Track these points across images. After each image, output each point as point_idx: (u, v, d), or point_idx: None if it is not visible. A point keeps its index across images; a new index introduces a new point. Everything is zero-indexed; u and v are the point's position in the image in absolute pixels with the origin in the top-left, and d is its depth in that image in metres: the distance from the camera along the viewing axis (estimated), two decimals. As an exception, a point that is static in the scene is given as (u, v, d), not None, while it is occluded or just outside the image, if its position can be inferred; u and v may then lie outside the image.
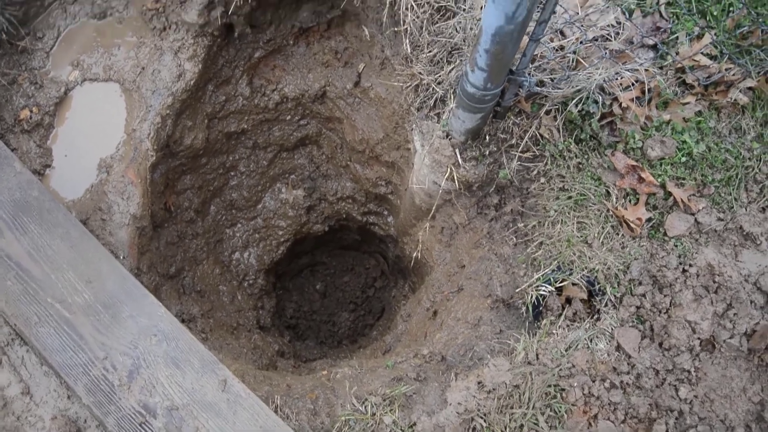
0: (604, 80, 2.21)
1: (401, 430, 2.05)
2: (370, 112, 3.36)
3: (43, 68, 2.97)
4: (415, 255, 3.00)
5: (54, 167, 2.83)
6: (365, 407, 2.11)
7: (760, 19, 2.39)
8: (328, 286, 5.09)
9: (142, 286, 2.22)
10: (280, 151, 3.92)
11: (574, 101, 2.25)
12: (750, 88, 2.37)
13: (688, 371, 2.09)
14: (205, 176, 3.65)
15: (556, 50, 2.32)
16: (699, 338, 2.12)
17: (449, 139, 2.38)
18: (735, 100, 2.35)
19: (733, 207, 2.27)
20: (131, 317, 2.15)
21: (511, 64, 1.96)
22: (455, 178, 2.40)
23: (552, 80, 2.22)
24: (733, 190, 2.29)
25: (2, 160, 2.41)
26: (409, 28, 2.47)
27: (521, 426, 2.03)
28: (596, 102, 2.27)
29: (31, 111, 2.85)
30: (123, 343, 2.10)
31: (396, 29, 2.63)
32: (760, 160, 2.32)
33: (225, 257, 3.91)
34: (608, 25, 2.38)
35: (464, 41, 2.33)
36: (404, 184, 3.30)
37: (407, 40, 2.47)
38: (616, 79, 2.26)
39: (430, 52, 2.43)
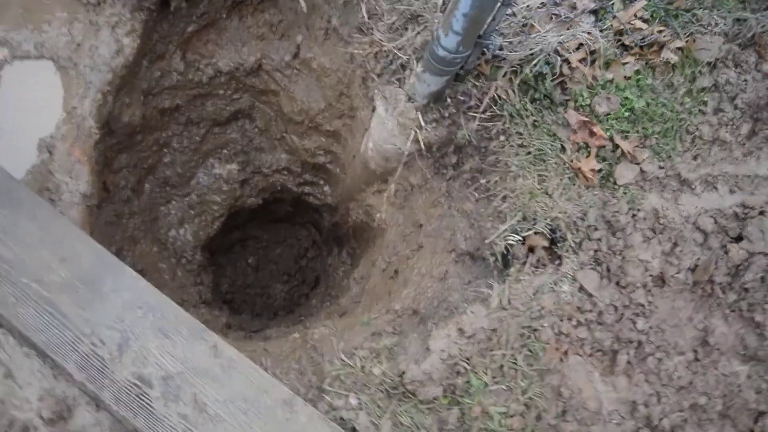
0: (559, 43, 2.37)
1: (390, 379, 2.15)
2: (309, 82, 3.40)
3: (-33, 47, 2.82)
4: (378, 217, 3.09)
5: (-11, 149, 2.72)
6: (354, 361, 2.20)
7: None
8: (260, 260, 5.10)
9: (119, 261, 2.20)
10: (213, 126, 3.88)
11: (531, 64, 2.40)
12: (679, 48, 2.59)
13: (643, 305, 2.31)
14: (140, 154, 3.57)
15: (509, 15, 2.46)
16: (650, 275, 2.33)
17: (412, 103, 2.48)
18: (667, 59, 2.57)
19: (671, 156, 2.50)
20: (113, 291, 2.12)
21: (483, 28, 2.08)
22: (419, 140, 2.51)
23: (510, 44, 2.36)
24: (670, 140, 2.51)
25: (-49, 140, 2.30)
26: (365, -3, 2.54)
27: (501, 366, 2.18)
28: (549, 63, 2.43)
29: (-40, 91, 2.72)
30: (108, 317, 2.08)
31: (346, -1, 2.70)
32: (691, 113, 2.55)
33: (162, 235, 3.86)
34: (553, -9, 2.55)
35: (424, 8, 2.43)
36: (347, 153, 3.37)
37: (364, 9, 2.54)
38: (567, 41, 2.43)
39: (389, 20, 2.51)
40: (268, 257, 5.11)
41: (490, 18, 2.09)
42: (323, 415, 2.04)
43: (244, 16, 3.45)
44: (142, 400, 1.97)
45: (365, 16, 2.55)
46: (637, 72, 2.55)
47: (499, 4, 2.01)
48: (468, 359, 2.18)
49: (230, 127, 3.98)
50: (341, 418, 2.10)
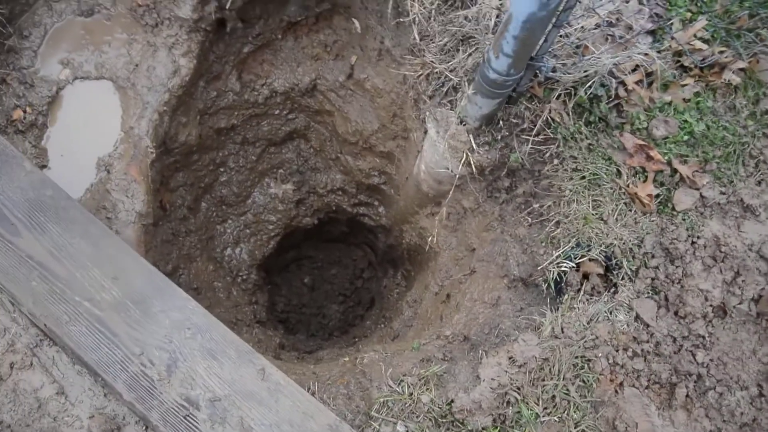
0: (614, 64, 2.31)
1: (439, 407, 2.10)
2: (363, 103, 3.40)
3: (32, 67, 2.91)
4: (430, 240, 3.05)
5: (50, 168, 2.79)
6: (402, 388, 2.16)
7: (746, 4, 2.54)
8: (316, 279, 5.11)
9: (169, 281, 2.22)
10: (269, 146, 3.92)
11: (585, 86, 2.35)
12: (741, 69, 2.51)
13: (703, 337, 2.21)
14: (197, 173, 3.63)
15: (562, 37, 2.41)
16: (711, 305, 2.24)
17: (464, 125, 2.45)
18: (729, 80, 2.48)
19: (733, 181, 2.40)
20: (162, 312, 2.14)
21: (534, 50, 2.04)
22: (471, 162, 2.47)
23: (564, 65, 2.31)
24: (732, 165, 2.42)
25: (11, 160, 2.36)
26: (416, 19, 2.53)
27: (553, 396, 2.11)
28: (604, 85, 2.37)
29: (24, 111, 2.80)
30: (157, 337, 2.09)
31: (400, 20, 2.68)
32: (755, 136, 2.46)
33: (218, 253, 3.90)
34: (609, 12, 2.49)
35: (476, 30, 2.40)
36: (401, 174, 3.35)
37: (416, 30, 2.53)
38: (623, 63, 2.37)
39: (440, 41, 2.49)
40: (323, 277, 5.12)
41: (541, 40, 2.05)
42: (369, 442, 2.01)
43: (299, 37, 3.48)
44: (189, 422, 1.97)
45: (416, 37, 2.54)
46: (697, 94, 2.48)
47: (551, 26, 1.97)
48: (519, 389, 2.12)
49: (285, 146, 4.02)
50: (388, 446, 2.06)
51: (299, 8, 3.30)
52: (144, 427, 2.03)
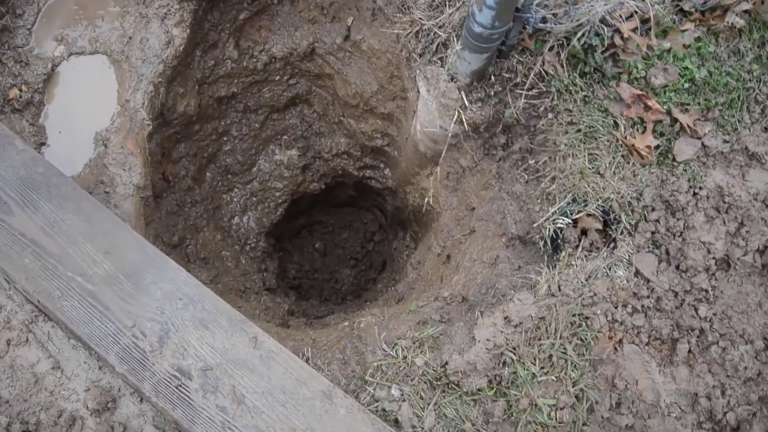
0: (607, 12, 2.22)
1: (433, 370, 2.08)
2: (362, 65, 3.34)
3: (27, 45, 2.90)
4: (425, 201, 3.01)
5: (49, 145, 2.79)
6: (396, 351, 2.15)
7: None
8: (327, 245, 5.11)
9: (161, 253, 2.22)
10: (272, 113, 3.89)
11: (577, 36, 2.26)
12: (746, 11, 2.39)
13: (706, 290, 2.15)
14: (199, 143, 3.61)
15: (554, -15, 2.32)
16: (714, 258, 2.17)
17: (455, 83, 2.38)
18: (732, 23, 2.37)
19: (737, 129, 2.31)
20: (154, 283, 2.14)
21: (517, 1, 1.97)
22: (463, 120, 2.41)
23: (554, 16, 2.22)
24: (736, 112, 2.32)
25: (3, 140, 2.36)
26: (403, -25, 2.45)
27: (550, 356, 2.08)
28: (598, 35, 2.28)
29: (20, 89, 2.80)
30: (149, 309, 2.09)
31: (388, -23, 2.61)
32: (760, 81, 2.35)
33: (225, 223, 3.90)
34: (603, -43, 2.38)
35: (463, -18, 2.32)
36: (402, 135, 3.30)
37: (404, -13, 2.46)
38: (616, 10, 2.27)
39: (428, -4, 2.42)
40: (334, 242, 5.12)
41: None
42: (363, 407, 2.00)
43: (296, 0, 3.42)
44: (181, 392, 1.97)
45: (405, -6, 2.47)
46: (698, 39, 2.37)
47: (535, -26, 1.89)
48: (515, 349, 2.08)
49: (288, 112, 3.98)
50: (383, 410, 2.05)
51: (294, -30, 3.25)
52: (139, 399, 2.04)
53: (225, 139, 3.76)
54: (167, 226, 3.21)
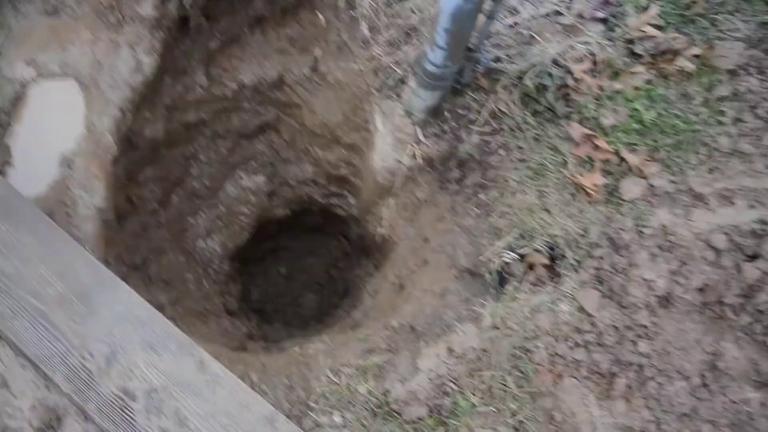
0: (558, 53, 2.29)
1: (376, 398, 2.12)
2: (328, 96, 3.40)
3: (-4, 67, 2.95)
4: (380, 232, 3.07)
5: (13, 165, 2.81)
6: (339, 379, 2.18)
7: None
8: (292, 269, 5.15)
9: (114, 275, 2.25)
10: (240, 139, 3.94)
11: (528, 75, 2.33)
12: (695, 56, 2.47)
13: (646, 327, 2.20)
14: (166, 167, 3.65)
15: (511, 26, 2.40)
16: (655, 295, 2.22)
17: (410, 118, 2.44)
18: (682, 67, 2.45)
19: (683, 170, 2.37)
20: (105, 305, 2.17)
21: (468, 41, 2.03)
22: (417, 154, 2.47)
23: (508, 56, 2.29)
24: (683, 153, 2.39)
25: (-35, 157, 2.40)
26: (365, 12, 2.52)
27: (490, 387, 2.12)
28: (550, 75, 2.36)
29: (-13, 109, 2.84)
30: (99, 330, 2.12)
31: (353, 13, 2.68)
32: (707, 124, 2.42)
33: (189, 245, 3.93)
34: (560, 1, 2.47)
35: (421, 22, 2.39)
36: (365, 165, 3.35)
37: (365, 24, 2.52)
38: (569, 52, 2.35)
39: (388, 34, 2.48)
40: (299, 267, 5.15)
41: (475, 32, 2.04)
42: (305, 432, 2.03)
43: (266, 31, 3.49)
44: (125, 413, 2.00)
45: (366, 30, 2.53)
46: (649, 82, 2.44)
47: (485, 18, 1.96)
48: (456, 379, 2.12)
49: (257, 139, 4.03)
50: (325, 437, 2.08)
51: (265, 3, 3.30)
52: (84, 418, 2.07)
53: (192, 163, 3.80)
54: (130, 247, 3.23)
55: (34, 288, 2.17)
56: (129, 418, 1.99)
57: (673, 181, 2.37)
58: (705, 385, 2.15)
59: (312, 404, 2.13)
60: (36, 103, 2.93)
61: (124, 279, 2.83)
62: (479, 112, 2.43)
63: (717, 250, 2.27)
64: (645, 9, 2.51)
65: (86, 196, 2.71)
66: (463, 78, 2.29)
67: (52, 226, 2.32)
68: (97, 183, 2.76)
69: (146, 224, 3.44)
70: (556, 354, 2.16)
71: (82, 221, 2.69)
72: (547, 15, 2.44)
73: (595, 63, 2.42)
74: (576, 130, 2.39)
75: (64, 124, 2.90)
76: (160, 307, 3.01)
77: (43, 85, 2.96)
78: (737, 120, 2.44)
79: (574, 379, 2.14)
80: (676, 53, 2.47)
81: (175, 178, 3.70)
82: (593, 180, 2.34)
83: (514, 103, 2.41)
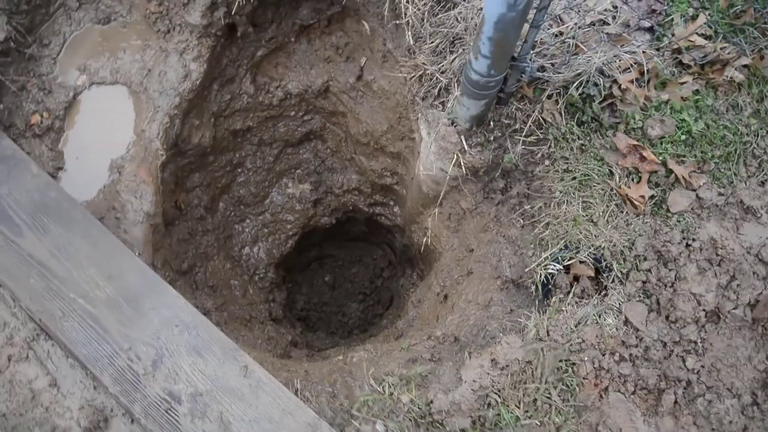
0: (603, 63, 2.27)
1: (418, 407, 2.11)
2: (373, 104, 3.43)
3: (51, 74, 3.03)
4: (424, 241, 3.06)
5: (66, 170, 2.89)
6: (383, 388, 2.18)
7: (753, -1, 2.46)
8: (336, 278, 5.17)
9: (162, 280, 2.29)
10: (286, 147, 3.99)
11: (574, 85, 2.31)
12: (745, 66, 2.43)
13: (695, 342, 2.16)
14: (213, 174, 3.71)
15: (556, 36, 2.38)
16: (704, 310, 2.18)
17: (455, 127, 2.44)
18: (731, 77, 2.41)
19: (732, 182, 2.33)
20: (153, 309, 2.21)
21: (513, 50, 2.03)
22: (462, 164, 2.47)
23: (553, 65, 2.28)
24: (732, 165, 2.35)
25: (19, 164, 2.47)
26: (410, 21, 2.54)
27: (534, 400, 2.09)
28: (596, 85, 2.34)
29: (42, 116, 2.91)
30: (146, 334, 2.16)
31: (397, 22, 2.69)
32: (758, 135, 2.38)
33: (235, 252, 3.98)
34: (605, 10, 2.45)
35: (465, 30, 2.40)
36: (410, 174, 3.36)
37: (409, 32, 2.54)
38: (615, 61, 2.33)
39: (432, 42, 2.49)
40: (344, 276, 5.17)
41: (522, 40, 2.03)
42: (347, 440, 2.03)
43: (312, 39, 3.53)
44: (170, 416, 2.03)
45: (410, 39, 2.55)
46: (696, 92, 2.41)
47: (528, 27, 1.95)
48: (500, 391, 2.10)
49: (302, 147, 4.08)
50: (367, 445, 2.08)
51: (311, 11, 3.35)
52: (130, 419, 2.10)
53: (239, 170, 3.87)
54: (177, 253, 3.29)
55: (84, 290, 2.23)
56: (174, 421, 2.02)
57: (722, 194, 2.33)
58: (756, 404, 2.10)
59: (355, 413, 2.13)
60: (88, 109, 3.01)
61: (171, 284, 2.89)
62: (524, 122, 2.42)
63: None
64: (693, 18, 2.48)
65: (135, 201, 2.77)
66: (507, 87, 2.28)
67: (103, 231, 2.38)
68: (145, 188, 2.81)
69: (193, 230, 3.49)
70: (602, 368, 2.12)
71: (131, 226, 2.74)
72: (593, 24, 2.42)
73: (641, 73, 2.39)
74: (622, 140, 2.36)
75: (114, 130, 2.98)
76: (205, 313, 3.06)
77: (94, 92, 3.04)
78: (788, 129, 2.40)
79: (620, 394, 2.10)
80: (725, 63, 2.44)
81: (222, 185, 3.75)
82: (640, 191, 2.31)
83: (560, 113, 2.40)
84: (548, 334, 2.20)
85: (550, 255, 2.28)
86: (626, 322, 2.19)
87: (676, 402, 2.10)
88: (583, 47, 2.34)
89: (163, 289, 2.27)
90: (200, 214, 3.60)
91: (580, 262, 2.28)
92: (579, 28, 2.36)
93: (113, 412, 2.12)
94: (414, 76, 2.59)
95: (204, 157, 3.50)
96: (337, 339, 4.47)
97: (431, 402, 2.11)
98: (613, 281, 2.25)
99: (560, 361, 2.14)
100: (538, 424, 2.07)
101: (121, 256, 2.33)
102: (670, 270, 2.23)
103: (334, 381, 2.29)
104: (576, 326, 2.20)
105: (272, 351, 3.20)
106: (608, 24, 2.42)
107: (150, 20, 3.10)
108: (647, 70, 2.38)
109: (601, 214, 2.31)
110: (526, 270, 2.35)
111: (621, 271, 2.25)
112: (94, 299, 2.21)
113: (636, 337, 2.17)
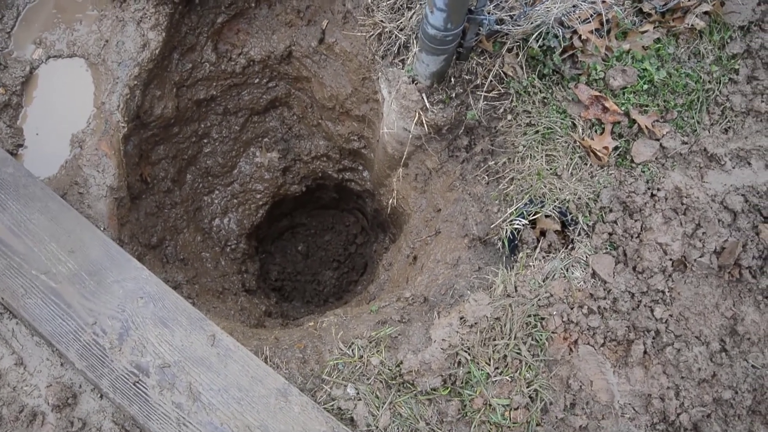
0: (563, 14, 2.24)
1: (389, 369, 2.11)
2: (336, 67, 3.37)
3: (6, 49, 2.95)
4: (390, 203, 3.04)
5: (26, 146, 2.83)
6: (352, 350, 2.17)
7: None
8: (309, 247, 5.16)
9: (124, 252, 2.25)
10: (251, 115, 3.93)
11: (534, 37, 2.28)
12: (706, 13, 2.40)
13: (662, 292, 2.16)
14: (179, 145, 3.65)
15: (514, -12, 2.34)
16: (671, 259, 2.18)
17: (415, 84, 2.40)
18: (692, 25, 2.39)
19: (696, 130, 2.32)
20: (116, 282, 2.18)
21: (469, 2, 1.99)
22: (424, 122, 2.43)
23: (511, 17, 2.24)
24: (695, 113, 2.34)
25: (-27, 140, 2.41)
26: (368, -22, 2.48)
27: (504, 356, 2.09)
28: (556, 36, 2.30)
29: (-2, 92, 2.85)
30: (110, 307, 2.13)
31: (355, -20, 2.64)
32: (720, 83, 2.36)
33: (205, 224, 3.94)
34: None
35: (423, -14, 2.35)
36: (376, 137, 3.32)
37: (368, -10, 2.49)
38: (574, 12, 2.29)
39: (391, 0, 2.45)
40: (317, 244, 5.15)
41: (477, -7, 2.00)
42: (319, 405, 2.03)
43: (273, 4, 3.46)
44: (138, 389, 2.01)
45: (369, -3, 2.50)
46: (658, 41, 2.38)
47: (484, -23, 1.91)
48: (469, 349, 2.10)
49: (268, 115, 4.02)
50: (339, 408, 2.07)
51: (271, -26, 3.28)
52: (99, 395, 2.08)
53: (205, 141, 3.81)
54: (146, 227, 3.24)
55: (46, 266, 2.19)
56: (143, 394, 2.01)
57: (685, 142, 2.32)
58: (724, 351, 2.11)
59: (326, 377, 2.13)
60: (46, 83, 2.94)
61: (140, 258, 2.86)
62: (485, 77, 2.39)
63: (733, 212, 2.22)
64: (654, -34, 2.44)
65: (98, 176, 2.71)
66: (466, 41, 2.24)
67: (63, 205, 2.33)
68: (107, 162, 2.76)
69: (161, 203, 3.45)
70: (571, 321, 2.13)
71: (94, 201, 2.70)
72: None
73: (601, 23, 2.36)
74: (584, 92, 2.34)
75: (73, 104, 2.91)
76: (177, 286, 3.04)
77: (52, 66, 2.97)
78: (751, 78, 2.38)
79: (589, 347, 2.11)
80: (685, 11, 2.41)
81: (188, 156, 3.70)
82: (603, 143, 2.29)
83: (520, 66, 2.37)
84: (516, 290, 2.19)
85: (515, 210, 2.27)
86: (594, 274, 2.19)
87: (645, 352, 2.11)
88: (542, -2, 2.30)
89: (126, 261, 2.24)
90: (167, 187, 3.55)
91: (546, 216, 2.27)
92: (537, -21, 2.32)
93: (81, 389, 2.10)
94: (373, 35, 2.54)
95: (168, 129, 3.44)
96: (312, 308, 4.46)
97: (401, 363, 2.10)
98: (579, 234, 2.25)
99: (529, 316, 2.14)
100: (509, 380, 2.07)
101: (82, 231, 2.29)
102: (635, 221, 2.23)
103: (304, 346, 2.28)
104: (544, 281, 2.20)
105: (245, 322, 3.19)
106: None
107: (106, -12, 3.01)
108: (607, 20, 2.35)
109: (565, 167, 2.29)
110: (492, 227, 2.34)
111: (587, 224, 2.24)
112: (56, 275, 2.18)
113: (604, 290, 2.18)
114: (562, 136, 2.32)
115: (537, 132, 2.34)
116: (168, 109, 3.29)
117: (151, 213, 3.37)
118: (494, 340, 2.12)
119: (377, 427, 2.03)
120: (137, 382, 2.02)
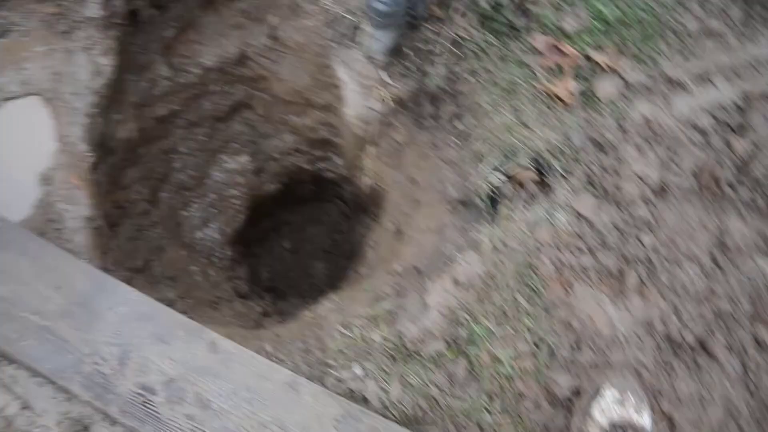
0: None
1: (392, 343, 2.11)
2: (292, 61, 3.36)
3: (-45, 97, 2.91)
4: (368, 183, 3.04)
5: (-5, 193, 2.80)
6: (352, 331, 2.17)
7: None
8: (296, 242, 5.16)
9: (110, 277, 2.24)
10: (216, 123, 3.90)
11: (481, -5, 2.29)
12: (647, -56, 2.42)
13: (647, 220, 2.17)
14: (148, 165, 3.62)
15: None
16: (650, 187, 2.19)
17: (372, 62, 2.41)
18: (637, -42, 2.40)
19: (655, 59, 2.34)
20: (108, 309, 2.16)
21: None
22: (387, 98, 2.44)
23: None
24: (652, 43, 2.35)
25: (-60, 194, 2.38)
26: (307, -35, 2.48)
27: (502, 309, 2.10)
28: (501, -11, 2.31)
29: (-47, 143, 2.81)
30: (106, 334, 2.12)
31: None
32: (673, 10, 2.38)
33: (188, 239, 3.91)
34: None
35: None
36: (343, 122, 3.32)
37: (308, -23, 2.48)
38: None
39: (333, -18, 2.45)
40: (303, 238, 5.14)
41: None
42: (329, 390, 2.02)
43: (219, 10, 3.44)
44: (148, 408, 2.00)
45: (312, -16, 2.50)
46: (606, -22, 2.40)
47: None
48: (467, 308, 2.11)
49: (232, 120, 4.00)
50: (350, 389, 2.07)
51: (212, -20, 3.26)
52: (111, 422, 2.06)
53: (174, 156, 3.78)
54: (129, 251, 3.22)
55: (35, 306, 2.17)
56: (153, 412, 1.99)
57: (647, 73, 2.33)
58: (716, 265, 2.13)
59: (330, 362, 2.12)
60: (3, 127, 2.90)
61: (128, 283, 2.83)
62: (440, 43, 2.39)
63: (703, 131, 2.24)
64: None
65: (72, 209, 2.69)
66: (416, 11, 2.24)
67: (42, 244, 2.32)
68: (79, 193, 2.73)
69: (140, 226, 3.43)
70: (562, 264, 2.13)
71: (72, 234, 2.66)
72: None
73: (545, -31, 2.37)
74: (539, 41, 2.35)
75: (36, 142, 2.87)
76: (170, 304, 2.98)
77: (8, 108, 2.93)
78: (703, 1, 2.40)
79: (585, 285, 2.12)
80: (628, -56, 2.42)
81: (159, 174, 3.68)
82: (566, 86, 2.30)
83: (473, 26, 2.37)
84: (504, 244, 2.20)
85: (491, 167, 2.27)
86: (578, 215, 2.20)
87: (640, 280, 2.12)
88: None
89: (113, 286, 2.22)
90: (144, 209, 3.52)
91: (521, 167, 2.28)
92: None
93: (92, 419, 2.08)
94: (323, 22, 2.54)
95: (134, 151, 3.42)
96: (309, 301, 4.44)
97: (402, 334, 2.10)
98: (557, 179, 2.25)
99: (520, 266, 2.15)
100: (512, 331, 2.08)
101: (65, 265, 2.27)
102: (609, 156, 2.24)
103: (304, 337, 2.28)
104: (529, 230, 2.21)
105: (243, 326, 3.18)
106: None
107: (49, 24, 2.98)
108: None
109: (532, 116, 2.30)
110: (471, 188, 2.34)
111: (563, 168, 2.25)
112: (46, 313, 2.15)
113: (590, 228, 2.19)
114: (525, 88, 2.33)
115: (499, 87, 2.34)
116: (131, 131, 3.27)
117: (132, 237, 3.35)
118: (490, 295, 2.12)
119: (390, 401, 2.03)
120: (145, 402, 2.01)
